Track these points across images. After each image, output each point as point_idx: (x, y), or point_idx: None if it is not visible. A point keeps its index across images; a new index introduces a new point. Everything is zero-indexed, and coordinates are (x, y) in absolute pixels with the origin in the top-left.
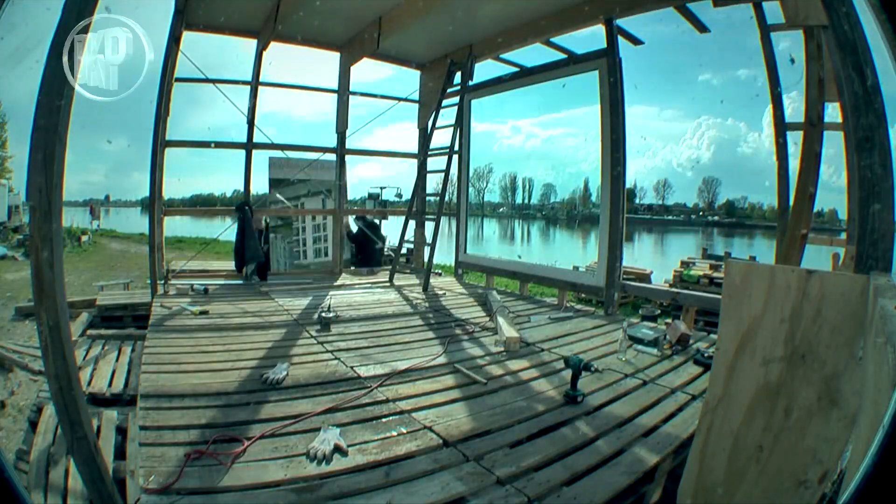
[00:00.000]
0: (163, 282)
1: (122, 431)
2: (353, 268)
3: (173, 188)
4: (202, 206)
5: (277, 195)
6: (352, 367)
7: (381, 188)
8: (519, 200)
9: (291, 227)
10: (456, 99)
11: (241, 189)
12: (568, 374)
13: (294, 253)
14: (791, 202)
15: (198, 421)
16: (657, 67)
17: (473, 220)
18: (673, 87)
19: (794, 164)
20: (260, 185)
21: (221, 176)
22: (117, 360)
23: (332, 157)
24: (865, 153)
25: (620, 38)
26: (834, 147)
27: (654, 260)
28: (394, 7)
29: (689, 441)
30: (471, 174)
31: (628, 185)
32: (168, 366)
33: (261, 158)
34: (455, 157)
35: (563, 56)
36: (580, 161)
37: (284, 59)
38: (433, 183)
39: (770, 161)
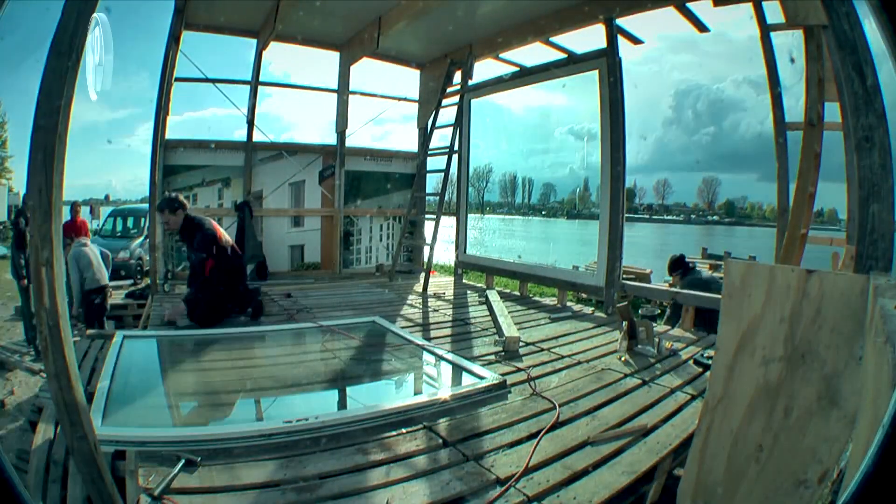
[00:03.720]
0: (162, 281)
1: None
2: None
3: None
4: None
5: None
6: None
7: None
8: (519, 200)
9: None
10: (456, 98)
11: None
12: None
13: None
14: (791, 202)
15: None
16: None
17: (475, 219)
18: None
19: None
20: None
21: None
22: None
23: (241, 138)
24: (865, 153)
25: (620, 38)
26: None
27: (654, 259)
28: (393, 7)
29: (689, 441)
30: (470, 174)
31: (628, 184)
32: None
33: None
34: (455, 157)
35: (563, 56)
36: None
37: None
38: (433, 182)
39: None
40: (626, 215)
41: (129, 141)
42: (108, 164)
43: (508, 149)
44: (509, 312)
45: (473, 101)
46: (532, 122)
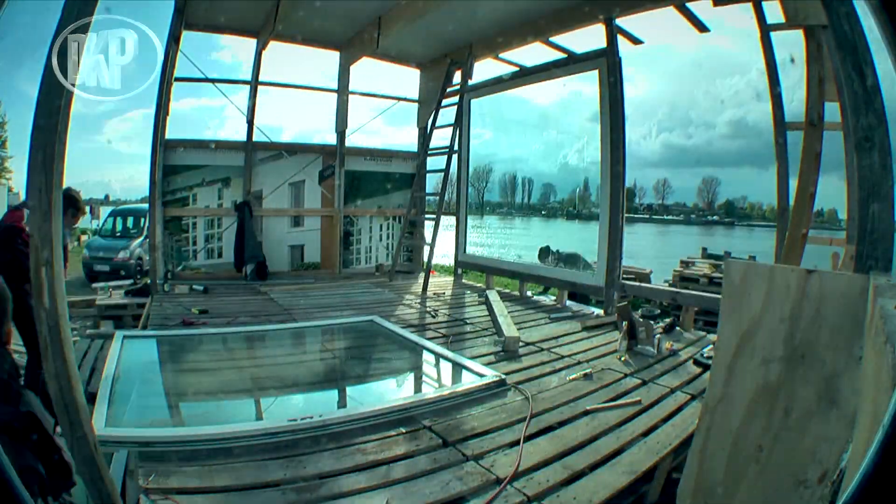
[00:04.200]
0: (162, 281)
1: None
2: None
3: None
4: None
5: None
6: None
7: None
8: (519, 200)
9: (180, 223)
10: (456, 98)
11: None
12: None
13: (183, 253)
14: (791, 202)
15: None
16: None
17: (474, 219)
18: None
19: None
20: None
21: None
22: None
23: (241, 138)
24: (865, 153)
25: (620, 38)
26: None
27: (654, 259)
28: (393, 7)
29: (689, 441)
30: (470, 173)
31: (628, 184)
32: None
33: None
34: (455, 157)
35: (563, 56)
36: None
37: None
38: (433, 182)
39: None
40: (626, 215)
41: (100, 137)
42: (97, 162)
43: (508, 148)
44: (509, 312)
45: (473, 101)
46: (532, 122)
